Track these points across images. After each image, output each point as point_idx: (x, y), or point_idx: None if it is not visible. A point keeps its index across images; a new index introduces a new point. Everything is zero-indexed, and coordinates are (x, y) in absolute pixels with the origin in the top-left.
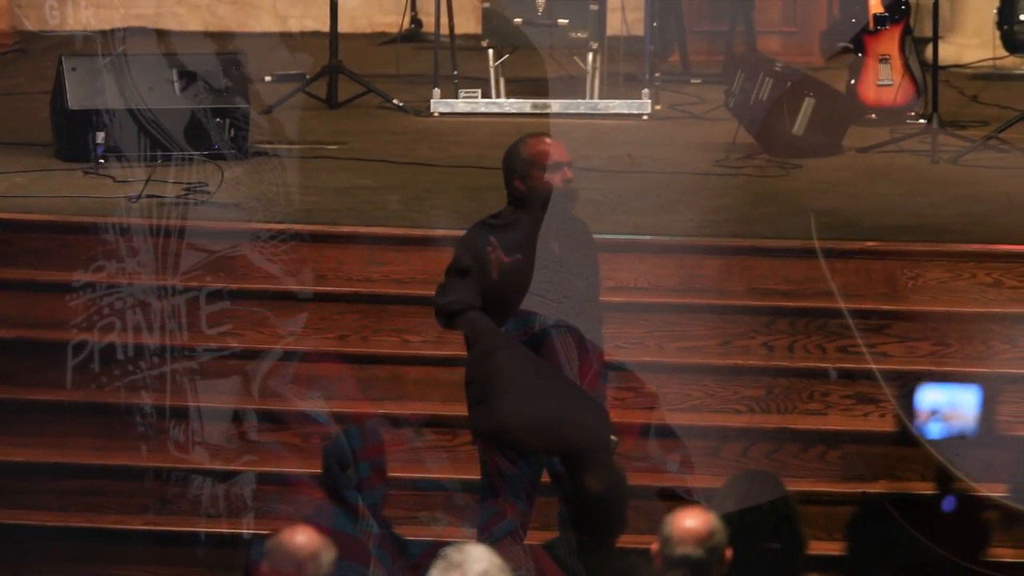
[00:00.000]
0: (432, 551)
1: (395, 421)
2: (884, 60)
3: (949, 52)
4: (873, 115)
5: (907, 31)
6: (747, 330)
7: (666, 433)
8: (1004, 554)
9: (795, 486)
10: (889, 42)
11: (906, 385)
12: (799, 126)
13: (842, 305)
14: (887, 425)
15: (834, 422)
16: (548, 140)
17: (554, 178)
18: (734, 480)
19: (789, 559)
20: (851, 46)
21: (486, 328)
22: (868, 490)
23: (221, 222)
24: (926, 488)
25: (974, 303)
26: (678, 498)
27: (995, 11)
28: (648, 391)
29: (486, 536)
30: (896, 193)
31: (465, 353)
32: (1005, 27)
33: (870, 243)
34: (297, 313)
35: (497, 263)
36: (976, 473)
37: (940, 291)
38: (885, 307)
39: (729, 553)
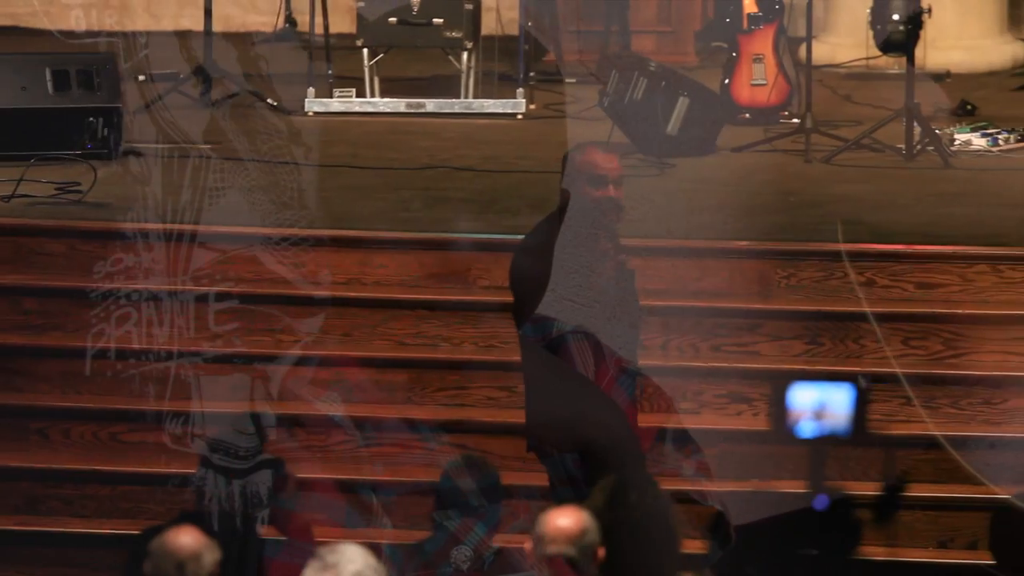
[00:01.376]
0: (446, 549)
1: (412, 424)
2: (758, 60)
3: (822, 51)
4: (747, 114)
5: (781, 31)
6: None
7: (683, 438)
8: (876, 552)
9: (669, 485)
10: (763, 42)
11: (778, 384)
12: (673, 126)
13: (867, 309)
14: (760, 424)
15: (707, 421)
16: (601, 153)
17: (593, 192)
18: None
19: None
20: (725, 45)
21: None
22: (739, 489)
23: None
24: (798, 487)
25: (847, 302)
26: (693, 502)
27: (868, 11)
28: (664, 396)
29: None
30: (769, 192)
31: None
32: (878, 27)
33: (742, 242)
34: (315, 314)
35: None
36: (849, 472)
37: (813, 290)
38: (757, 306)
39: (602, 552)
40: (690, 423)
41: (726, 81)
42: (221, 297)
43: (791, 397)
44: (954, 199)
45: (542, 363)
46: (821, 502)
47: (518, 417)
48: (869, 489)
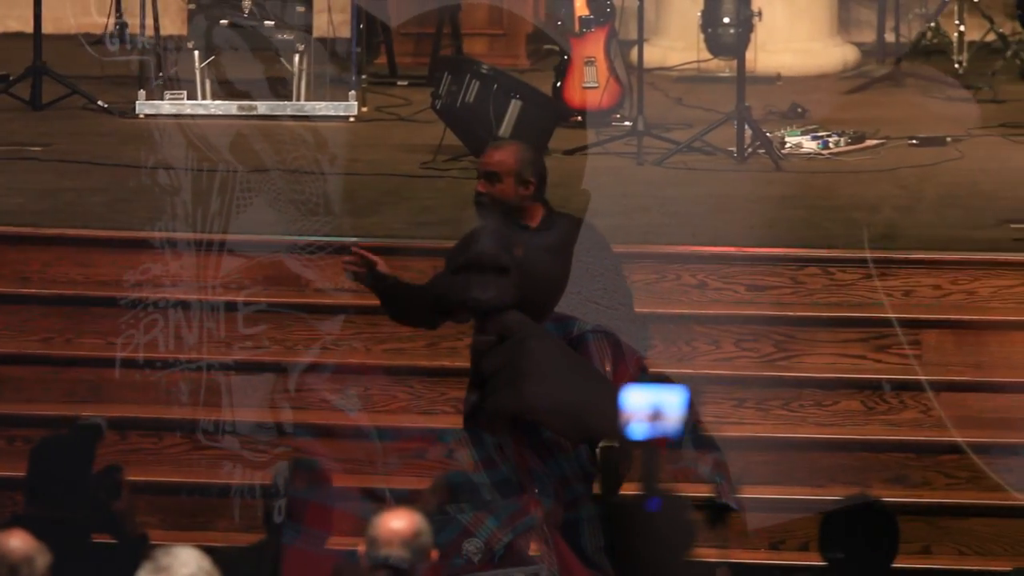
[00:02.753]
0: (458, 540)
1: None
2: (590, 62)
3: (654, 54)
4: (579, 117)
5: (612, 34)
6: (455, 331)
7: (700, 438)
8: (708, 554)
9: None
10: (594, 45)
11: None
12: (505, 128)
13: (891, 315)
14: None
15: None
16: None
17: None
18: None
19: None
20: (557, 48)
21: (520, 321)
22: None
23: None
24: (631, 489)
25: (679, 304)
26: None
27: (699, 14)
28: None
29: (508, 529)
30: (602, 195)
31: None
32: (709, 30)
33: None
34: (336, 315)
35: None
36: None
37: (645, 292)
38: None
39: (435, 554)
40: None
41: (558, 84)
42: (250, 302)
43: (623, 399)
44: (785, 202)
45: (559, 354)
46: (654, 504)
47: (352, 420)
48: (702, 491)
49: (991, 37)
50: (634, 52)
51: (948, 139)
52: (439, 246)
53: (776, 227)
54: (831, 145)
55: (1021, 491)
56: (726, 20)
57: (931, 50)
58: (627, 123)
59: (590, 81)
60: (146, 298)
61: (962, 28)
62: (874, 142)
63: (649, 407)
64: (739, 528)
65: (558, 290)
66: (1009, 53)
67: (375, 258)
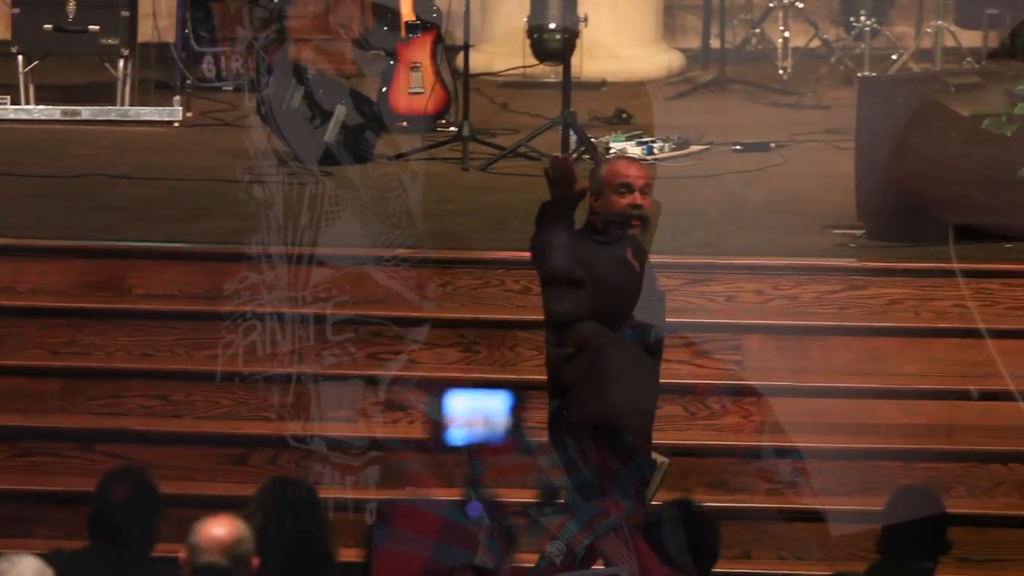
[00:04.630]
0: (540, 543)
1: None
2: (415, 68)
3: (480, 60)
4: (405, 123)
5: (438, 39)
6: (279, 337)
7: (784, 454)
8: (529, 560)
9: (326, 493)
10: (420, 50)
11: (435, 392)
12: (331, 133)
13: (981, 325)
14: (416, 432)
15: (363, 429)
16: (624, 163)
17: (621, 201)
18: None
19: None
20: (383, 54)
21: (597, 331)
22: (397, 496)
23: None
24: (454, 494)
25: (503, 310)
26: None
27: (525, 19)
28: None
29: (589, 532)
30: (427, 200)
31: None
32: (535, 35)
33: (401, 251)
34: (421, 323)
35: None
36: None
37: (469, 298)
38: (415, 314)
39: (256, 562)
40: (345, 431)
41: (384, 89)
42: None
43: (447, 405)
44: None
45: (636, 361)
46: (474, 509)
47: (175, 426)
48: (526, 497)
49: (815, 43)
50: (460, 57)
51: (772, 145)
52: (265, 251)
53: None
54: (656, 151)
55: (839, 496)
56: (552, 26)
57: (756, 56)
58: (453, 128)
59: (416, 87)
60: (244, 310)
61: (787, 34)
62: (698, 148)
63: (473, 413)
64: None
65: (632, 300)
66: (833, 59)
67: (576, 175)
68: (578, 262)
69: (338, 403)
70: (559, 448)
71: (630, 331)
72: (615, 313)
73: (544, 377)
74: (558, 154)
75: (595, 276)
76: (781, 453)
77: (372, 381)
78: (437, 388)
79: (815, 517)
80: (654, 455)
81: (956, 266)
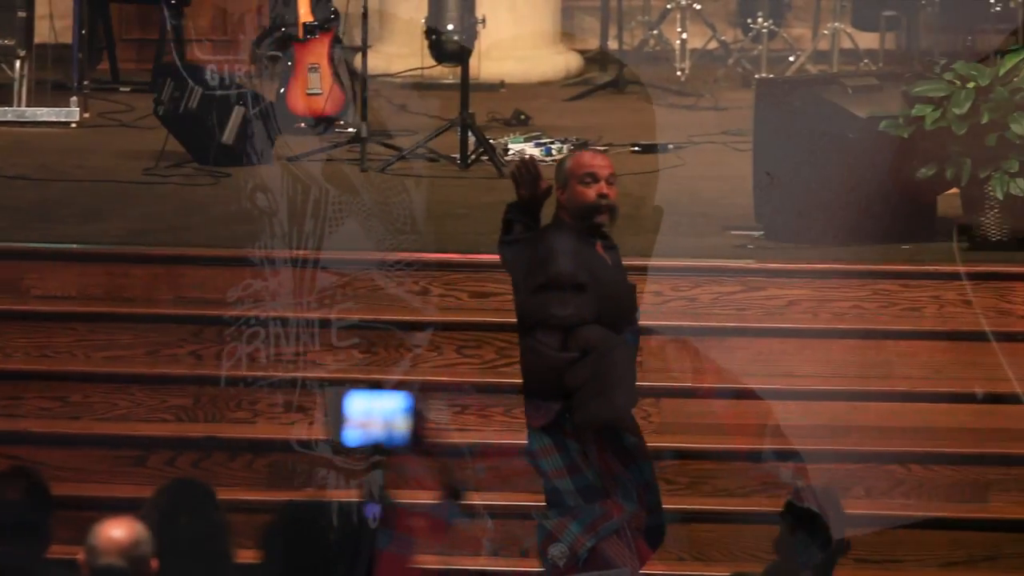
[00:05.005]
0: (543, 546)
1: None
2: (314, 69)
3: (378, 61)
4: (303, 124)
5: (336, 40)
6: (175, 339)
7: (785, 456)
8: (431, 561)
9: (224, 495)
10: (319, 51)
11: (334, 393)
12: (228, 135)
13: (986, 328)
14: (316, 433)
15: (262, 430)
16: (589, 154)
17: (587, 191)
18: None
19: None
20: (281, 55)
21: (601, 334)
22: (299, 498)
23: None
24: (352, 496)
25: (401, 311)
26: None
27: (423, 21)
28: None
29: (592, 534)
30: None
31: None
32: (433, 37)
33: (300, 252)
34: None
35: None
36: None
37: (369, 299)
38: (315, 315)
39: (155, 563)
40: (245, 432)
41: (282, 90)
42: (342, 317)
43: (346, 406)
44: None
45: (633, 363)
46: (372, 511)
47: (73, 428)
48: (427, 498)
49: (713, 45)
50: (358, 58)
51: (670, 146)
52: (162, 253)
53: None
54: (554, 152)
55: (740, 497)
56: (450, 27)
57: (654, 57)
58: (351, 130)
59: (314, 87)
60: (248, 315)
61: (684, 36)
62: (596, 149)
63: (371, 415)
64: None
65: (633, 302)
66: (731, 61)
67: (541, 175)
68: (581, 266)
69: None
70: (561, 451)
71: (631, 335)
72: (617, 316)
73: (518, 380)
74: (524, 157)
75: (596, 280)
76: (680, 454)
77: (376, 386)
78: (427, 391)
79: (716, 518)
80: None
81: (962, 268)
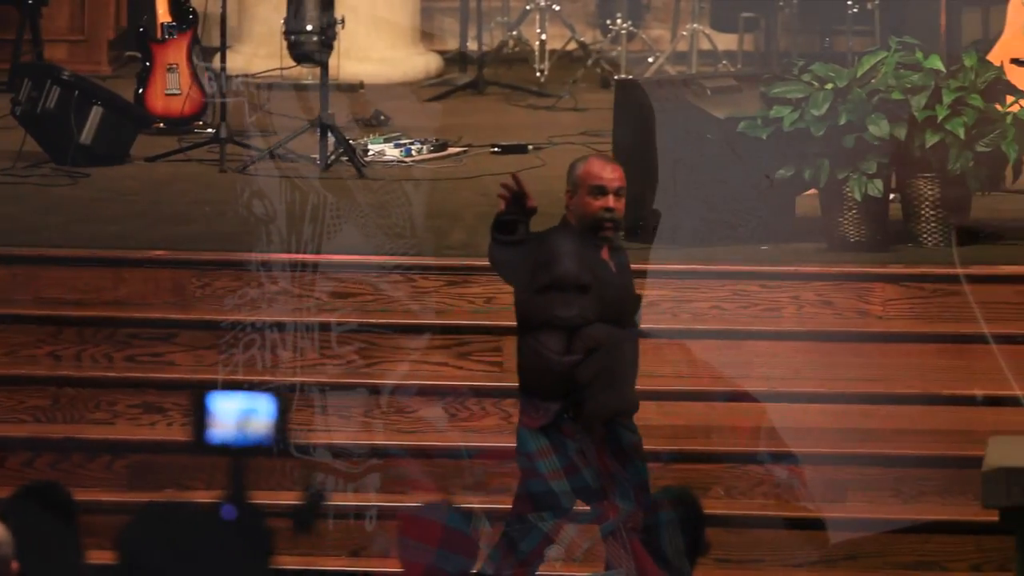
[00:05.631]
0: (540, 549)
1: None
2: (172, 69)
3: (237, 62)
4: (161, 124)
5: (195, 40)
6: (33, 340)
7: (781, 458)
8: (290, 562)
9: (82, 496)
10: (177, 51)
11: (196, 394)
12: (87, 135)
13: (985, 330)
14: (176, 434)
15: (121, 431)
16: (599, 163)
17: (594, 203)
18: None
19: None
20: (139, 55)
21: (606, 331)
22: (156, 499)
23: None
24: (215, 497)
25: (262, 312)
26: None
27: (282, 21)
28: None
29: (588, 537)
30: (184, 202)
31: None
32: (292, 37)
33: (158, 252)
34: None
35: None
36: (265, 482)
37: (230, 301)
38: (173, 316)
39: (16, 566)
40: (103, 434)
41: (140, 91)
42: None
43: (209, 406)
44: (369, 209)
45: (637, 356)
46: (228, 512)
47: None
48: (287, 499)
49: (572, 46)
50: (217, 59)
51: (530, 147)
52: (19, 253)
53: (361, 234)
54: (414, 152)
55: None
56: (309, 27)
57: (513, 58)
58: (210, 130)
59: (172, 88)
60: (245, 321)
61: (544, 37)
62: (456, 150)
63: (237, 414)
64: (322, 536)
65: (635, 306)
66: (590, 62)
67: (528, 193)
68: (584, 268)
69: (341, 412)
70: (559, 451)
71: (634, 330)
72: (619, 318)
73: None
74: (511, 174)
75: (600, 282)
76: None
77: (374, 390)
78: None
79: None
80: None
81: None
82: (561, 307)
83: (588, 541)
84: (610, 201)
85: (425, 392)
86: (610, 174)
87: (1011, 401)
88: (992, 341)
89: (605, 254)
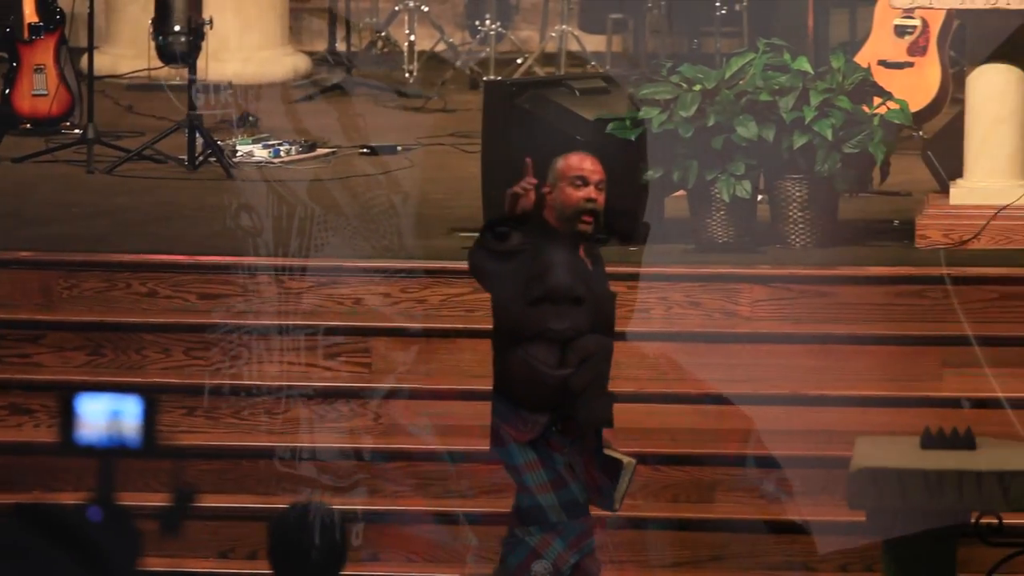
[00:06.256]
0: (527, 563)
1: None
2: (39, 70)
3: (105, 62)
4: (28, 125)
5: (63, 41)
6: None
7: (764, 457)
8: (157, 564)
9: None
10: (44, 51)
11: (63, 395)
12: None
13: (969, 333)
14: (43, 435)
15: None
16: (579, 156)
17: (576, 193)
18: None
19: None
20: (5, 55)
21: (598, 341)
22: (23, 501)
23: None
24: (82, 499)
25: (129, 312)
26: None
27: (150, 22)
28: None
29: (575, 551)
30: (51, 203)
31: None
32: (160, 38)
33: (24, 253)
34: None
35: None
36: (133, 483)
37: (95, 301)
38: (40, 317)
39: None
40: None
41: (7, 91)
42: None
43: (77, 408)
44: (237, 210)
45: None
46: (94, 514)
47: None
48: (155, 500)
49: (441, 47)
50: (85, 59)
51: (399, 148)
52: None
53: (228, 235)
54: (283, 153)
55: (468, 498)
56: (177, 28)
57: (382, 59)
58: (77, 131)
59: (39, 88)
60: (230, 325)
61: (412, 37)
62: (325, 151)
63: (103, 416)
64: (189, 537)
65: (612, 310)
66: (459, 63)
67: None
68: (577, 279)
69: (324, 420)
70: (546, 465)
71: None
72: (605, 325)
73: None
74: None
75: (591, 292)
76: (409, 456)
77: (359, 396)
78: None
79: (440, 519)
80: (620, 455)
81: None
82: (555, 320)
83: (575, 556)
84: (592, 192)
85: (292, 393)
86: (591, 166)
87: (878, 402)
88: (856, 342)
89: (581, 253)
